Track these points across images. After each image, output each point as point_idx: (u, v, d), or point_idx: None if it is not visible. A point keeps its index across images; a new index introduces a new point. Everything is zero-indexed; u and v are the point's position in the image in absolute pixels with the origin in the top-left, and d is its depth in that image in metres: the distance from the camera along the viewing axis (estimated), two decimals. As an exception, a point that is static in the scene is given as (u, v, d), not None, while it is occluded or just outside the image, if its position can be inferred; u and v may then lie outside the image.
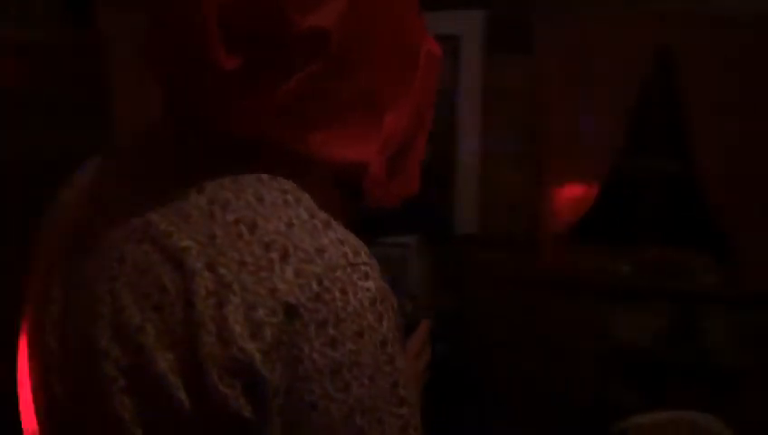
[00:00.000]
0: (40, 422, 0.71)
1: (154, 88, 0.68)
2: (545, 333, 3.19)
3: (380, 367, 0.59)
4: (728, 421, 2.60)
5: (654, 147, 3.16)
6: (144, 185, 0.67)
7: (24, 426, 0.75)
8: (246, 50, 0.60)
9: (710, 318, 2.94)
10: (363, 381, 0.59)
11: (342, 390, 0.58)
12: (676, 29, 2.87)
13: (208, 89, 0.62)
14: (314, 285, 0.58)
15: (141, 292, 0.61)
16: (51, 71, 2.94)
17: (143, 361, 0.60)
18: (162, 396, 0.59)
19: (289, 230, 0.60)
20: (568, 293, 3.17)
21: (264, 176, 0.64)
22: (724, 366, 2.85)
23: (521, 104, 3.11)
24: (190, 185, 0.64)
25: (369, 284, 0.60)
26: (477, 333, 3.18)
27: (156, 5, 0.62)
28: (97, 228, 0.67)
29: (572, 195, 3.05)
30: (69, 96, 2.95)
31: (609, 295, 3.13)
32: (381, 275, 0.63)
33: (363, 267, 0.61)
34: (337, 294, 0.58)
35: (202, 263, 0.59)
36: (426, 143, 0.77)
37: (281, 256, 0.59)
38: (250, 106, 0.62)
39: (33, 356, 0.71)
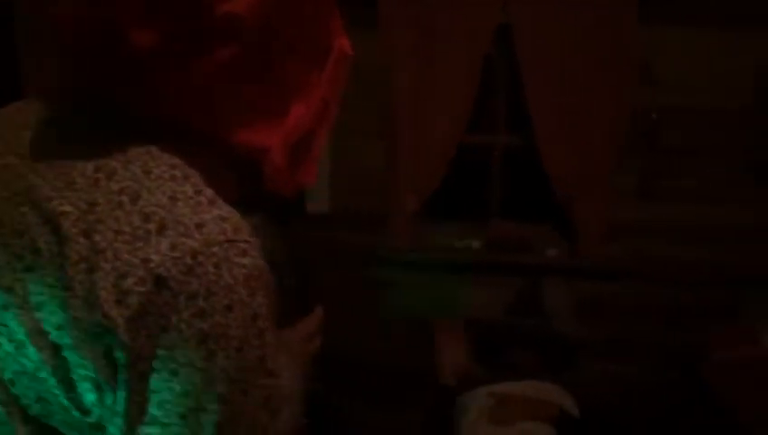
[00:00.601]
0: None
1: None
2: (398, 311, 3.14)
3: (249, 340, 0.61)
4: (569, 388, 2.67)
5: (498, 122, 3.18)
6: (33, 150, 0.67)
7: None
8: (163, 29, 0.62)
9: (553, 290, 3.01)
10: (230, 353, 0.60)
11: (207, 359, 0.59)
12: (516, 6, 2.88)
13: (120, 63, 0.63)
14: (188, 259, 0.59)
15: (15, 253, 0.62)
16: None
17: (7, 321, 0.62)
18: (26, 354, 0.62)
19: (171, 204, 0.61)
20: (419, 270, 3.14)
21: (155, 149, 0.64)
22: (565, 336, 2.91)
23: (370, 80, 3.02)
24: (80, 153, 0.64)
25: (246, 260, 0.61)
26: (328, 314, 3.07)
27: None
28: None
29: (422, 171, 3.00)
30: None
31: (460, 271, 3.12)
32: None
33: (242, 245, 0.62)
34: (210, 268, 0.60)
35: (78, 229, 0.60)
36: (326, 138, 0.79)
37: (158, 228, 0.60)
38: (160, 84, 0.64)
39: None
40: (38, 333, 0.60)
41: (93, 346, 0.58)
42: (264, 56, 0.66)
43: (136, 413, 0.59)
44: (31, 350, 0.61)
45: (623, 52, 2.81)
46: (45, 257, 0.60)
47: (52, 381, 0.61)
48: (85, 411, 0.61)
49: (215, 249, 0.60)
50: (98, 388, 0.60)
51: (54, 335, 0.60)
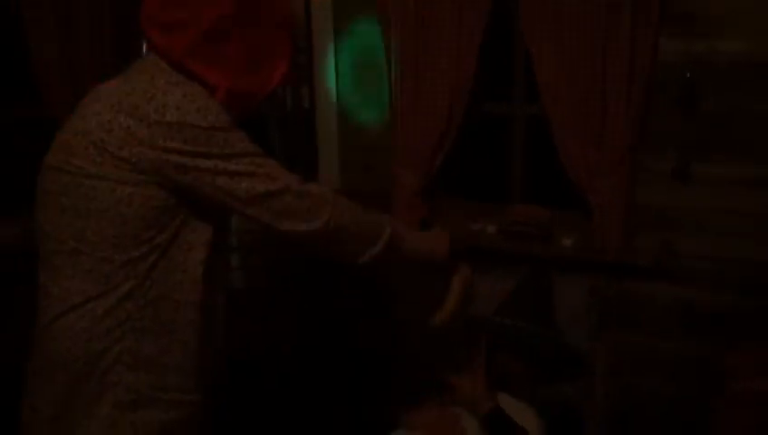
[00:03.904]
0: None
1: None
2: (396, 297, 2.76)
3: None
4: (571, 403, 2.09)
5: (517, 90, 2.62)
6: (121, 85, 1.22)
7: None
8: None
9: (564, 286, 2.40)
10: None
11: None
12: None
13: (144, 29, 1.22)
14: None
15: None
16: None
17: None
18: None
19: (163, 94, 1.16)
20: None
21: (164, 78, 1.19)
22: (568, 344, 2.29)
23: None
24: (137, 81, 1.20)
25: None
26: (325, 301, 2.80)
27: None
28: None
29: (420, 144, 2.58)
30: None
31: (470, 257, 2.64)
32: None
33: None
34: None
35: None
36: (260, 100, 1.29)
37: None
38: (169, 42, 1.18)
39: None
40: None
41: None
42: (228, 37, 1.20)
43: None
44: None
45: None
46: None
47: None
48: None
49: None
50: None
51: None
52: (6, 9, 2.68)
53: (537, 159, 2.66)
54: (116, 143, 1.10)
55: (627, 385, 2.33)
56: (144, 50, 1.44)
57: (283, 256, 2.61)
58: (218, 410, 1.49)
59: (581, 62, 2.23)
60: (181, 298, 1.21)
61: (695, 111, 2.14)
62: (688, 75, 2.12)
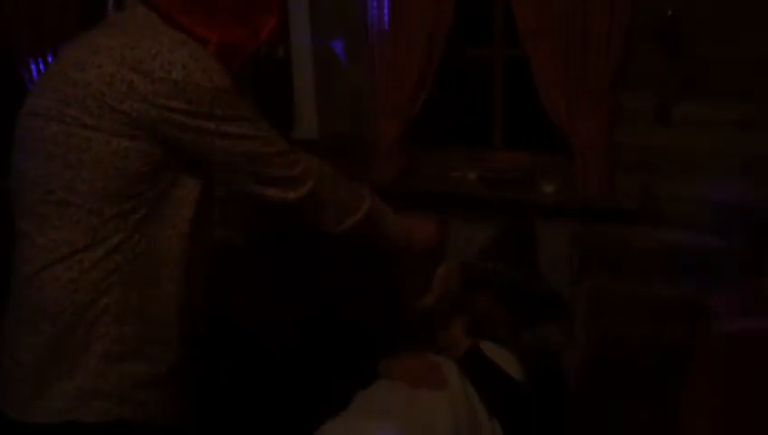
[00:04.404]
0: None
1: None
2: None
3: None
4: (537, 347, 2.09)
5: (497, 32, 2.54)
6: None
7: None
8: None
9: (546, 232, 2.37)
10: None
11: None
12: None
13: None
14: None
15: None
16: None
17: None
18: None
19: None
20: (406, 200, 2.67)
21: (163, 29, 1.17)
22: (549, 288, 2.28)
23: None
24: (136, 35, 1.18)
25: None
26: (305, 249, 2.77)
27: None
28: None
29: (399, 91, 2.51)
30: None
31: (452, 204, 2.60)
32: None
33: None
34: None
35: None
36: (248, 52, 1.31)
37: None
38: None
39: None
40: None
41: None
42: None
43: None
44: None
45: None
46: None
47: None
48: None
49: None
50: None
51: None
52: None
53: (519, 103, 2.60)
54: (117, 96, 1.09)
55: (608, 329, 2.32)
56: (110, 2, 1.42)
57: (269, 224, 2.57)
58: (213, 373, 1.47)
59: (561, 1, 2.15)
60: (168, 254, 1.21)
61: (677, 50, 2.08)
62: (670, 12, 2.05)
